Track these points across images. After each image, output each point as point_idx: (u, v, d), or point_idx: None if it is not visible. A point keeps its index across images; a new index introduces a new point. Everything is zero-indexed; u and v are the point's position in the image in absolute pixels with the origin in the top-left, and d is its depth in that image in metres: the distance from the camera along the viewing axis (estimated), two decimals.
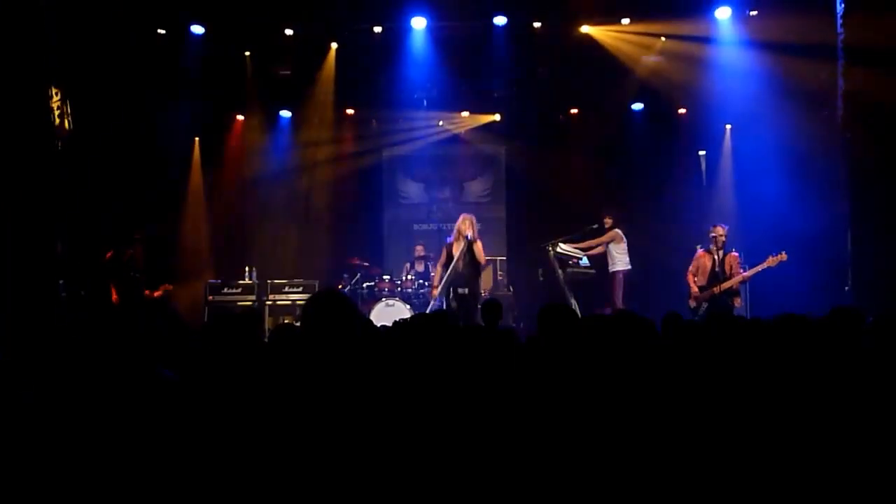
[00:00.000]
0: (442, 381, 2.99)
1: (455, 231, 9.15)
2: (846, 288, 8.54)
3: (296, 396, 2.58)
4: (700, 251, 9.18)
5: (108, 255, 8.92)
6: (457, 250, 9.03)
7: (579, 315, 7.52)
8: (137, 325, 3.45)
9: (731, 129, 11.89)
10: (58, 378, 3.20)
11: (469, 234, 8.94)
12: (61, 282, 8.63)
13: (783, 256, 8.60)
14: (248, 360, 3.46)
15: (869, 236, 8.29)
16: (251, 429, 2.54)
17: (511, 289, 11.81)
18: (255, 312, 7.05)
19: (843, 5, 8.30)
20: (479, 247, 8.98)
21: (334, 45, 11.46)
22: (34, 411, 2.83)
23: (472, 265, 9.01)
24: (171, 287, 9.50)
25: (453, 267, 8.98)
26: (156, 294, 8.96)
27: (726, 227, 9.01)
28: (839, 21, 8.36)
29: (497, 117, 12.65)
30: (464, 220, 9.13)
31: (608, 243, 10.42)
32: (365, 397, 2.55)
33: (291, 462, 2.42)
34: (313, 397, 2.54)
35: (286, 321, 9.92)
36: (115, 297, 8.78)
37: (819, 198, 9.29)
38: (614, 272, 10.39)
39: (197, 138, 12.22)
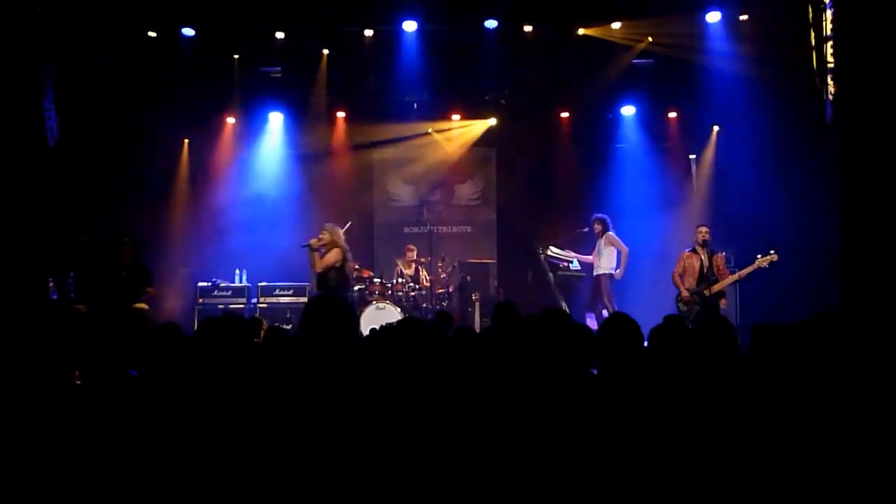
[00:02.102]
0: (433, 385, 2.97)
1: None
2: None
3: (292, 400, 2.57)
4: (685, 252, 9.19)
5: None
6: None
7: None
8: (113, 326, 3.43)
9: (719, 130, 11.90)
10: (37, 374, 3.19)
11: (311, 242, 8.86)
12: (50, 281, 8.60)
13: (774, 256, 8.59)
14: (242, 363, 3.44)
15: (859, 237, 8.24)
16: (244, 431, 2.52)
17: (501, 291, 11.81)
18: (257, 318, 7.06)
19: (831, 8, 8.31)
20: (316, 256, 8.80)
21: (325, 49, 11.47)
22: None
23: (318, 275, 8.88)
24: (153, 292, 9.41)
25: None
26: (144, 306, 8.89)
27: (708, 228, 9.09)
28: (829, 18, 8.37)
29: (493, 121, 12.62)
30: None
31: (605, 245, 10.44)
32: (364, 402, 2.54)
33: (285, 464, 2.41)
34: (311, 402, 2.53)
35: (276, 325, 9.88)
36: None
37: (808, 199, 9.30)
38: (601, 275, 10.40)
39: (186, 140, 12.18)
